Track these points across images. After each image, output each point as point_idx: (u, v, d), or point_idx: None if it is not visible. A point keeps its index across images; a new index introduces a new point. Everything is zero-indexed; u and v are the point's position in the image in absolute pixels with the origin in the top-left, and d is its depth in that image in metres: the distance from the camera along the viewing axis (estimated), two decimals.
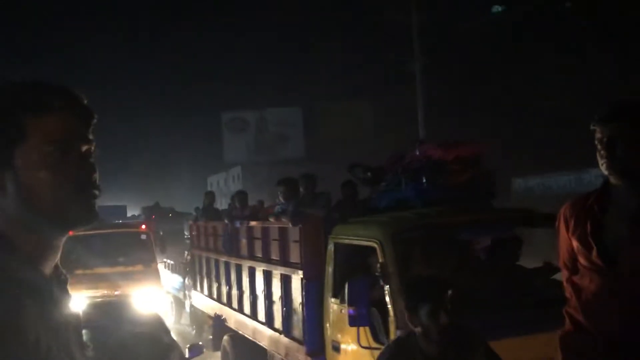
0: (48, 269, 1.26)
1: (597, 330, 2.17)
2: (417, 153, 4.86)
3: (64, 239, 1.28)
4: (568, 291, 2.31)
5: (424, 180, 4.71)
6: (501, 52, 20.92)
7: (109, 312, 5.88)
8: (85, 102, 1.27)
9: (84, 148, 1.23)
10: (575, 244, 2.18)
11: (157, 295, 9.67)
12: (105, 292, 8.92)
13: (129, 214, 31.20)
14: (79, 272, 9.01)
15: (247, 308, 6.77)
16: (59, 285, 1.29)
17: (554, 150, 17.41)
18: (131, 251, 10.25)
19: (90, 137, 1.26)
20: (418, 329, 2.77)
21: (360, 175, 5.28)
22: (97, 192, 1.24)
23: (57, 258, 1.29)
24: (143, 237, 10.64)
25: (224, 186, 42.41)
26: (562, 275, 2.33)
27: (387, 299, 4.06)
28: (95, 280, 9.04)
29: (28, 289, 1.17)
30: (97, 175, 1.25)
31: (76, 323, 1.33)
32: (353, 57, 29.19)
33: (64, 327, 1.26)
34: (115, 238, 10.45)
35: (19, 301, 1.13)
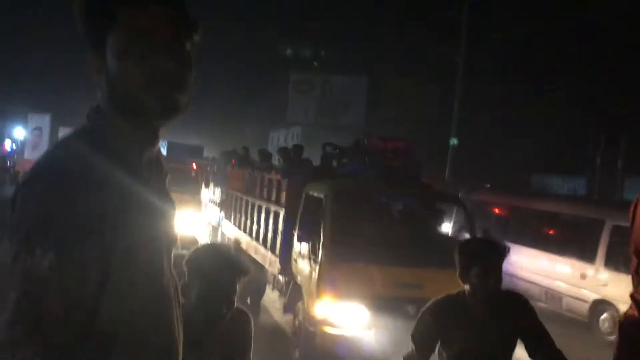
0: (145, 157, 1.33)
1: None
2: (366, 142, 7.20)
3: (155, 131, 1.32)
4: (637, 279, 2.22)
5: (366, 161, 7.03)
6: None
7: None
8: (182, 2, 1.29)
9: (164, 42, 1.24)
10: None
11: (196, 218, 12.44)
12: None
13: (205, 155, 33.72)
14: None
15: (253, 233, 9.30)
16: (157, 176, 1.38)
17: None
18: (183, 183, 12.89)
19: (180, 33, 1.27)
20: (467, 288, 2.82)
21: (330, 151, 7.67)
22: (170, 86, 1.24)
23: (155, 150, 1.36)
24: (192, 174, 13.53)
25: (283, 142, 44.78)
26: (631, 264, 2.24)
27: (322, 230, 6.46)
28: None
29: (125, 165, 1.25)
30: (174, 68, 1.24)
31: (169, 218, 1.40)
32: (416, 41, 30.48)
33: (159, 216, 1.34)
34: (173, 171, 13.22)
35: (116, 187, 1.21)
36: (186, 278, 2.33)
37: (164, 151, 25.45)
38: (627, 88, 18.09)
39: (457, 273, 2.84)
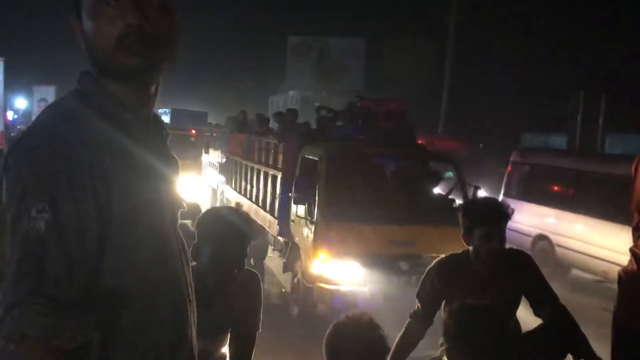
0: (146, 117, 1.35)
1: None
2: (359, 105, 7.32)
3: (145, 90, 1.32)
4: (637, 234, 2.20)
5: (360, 124, 7.16)
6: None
7: None
8: None
9: None
10: None
11: (196, 183, 12.65)
12: None
13: (209, 121, 33.50)
14: None
15: (253, 197, 9.48)
16: (156, 137, 1.40)
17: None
18: (183, 148, 13.07)
19: None
20: (471, 249, 2.83)
21: (324, 115, 7.80)
22: (141, 42, 1.23)
23: (149, 109, 1.37)
24: (192, 139, 13.74)
25: (282, 107, 44.68)
26: (633, 219, 2.19)
27: (317, 191, 6.63)
28: None
29: (120, 123, 1.26)
30: (144, 24, 1.23)
31: (172, 179, 1.40)
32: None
33: (159, 176, 1.33)
34: (173, 137, 13.34)
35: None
36: (196, 241, 2.37)
37: (167, 118, 25.30)
38: (607, 45, 18.30)
39: (461, 234, 2.84)
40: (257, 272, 2.61)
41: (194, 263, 2.29)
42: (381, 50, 41.20)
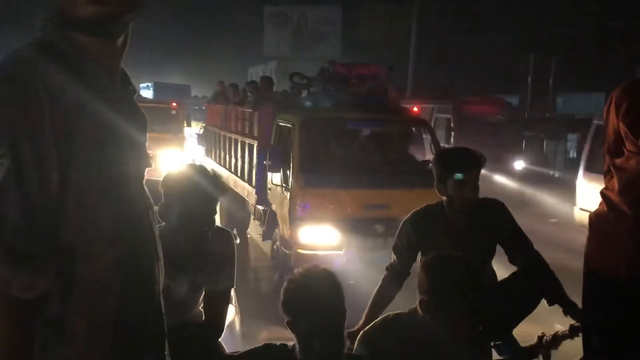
0: (112, 69, 1.33)
1: (633, 211, 2.06)
2: (330, 70, 7.22)
3: (110, 42, 1.29)
4: (608, 177, 2.20)
5: (332, 89, 7.08)
6: None
7: None
8: None
9: None
10: (623, 129, 2.05)
11: (178, 157, 12.48)
12: None
13: (192, 94, 32.10)
14: None
15: (232, 167, 9.41)
16: (123, 91, 1.37)
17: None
18: (164, 122, 12.62)
19: None
20: (444, 198, 2.78)
21: (297, 81, 7.69)
22: None
23: (117, 61, 1.34)
24: (173, 112, 13.44)
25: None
26: (605, 163, 2.21)
27: (291, 158, 6.57)
28: None
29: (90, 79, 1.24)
30: None
31: (138, 135, 1.37)
32: None
33: (122, 130, 1.29)
34: (153, 111, 11.91)
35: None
36: (163, 200, 2.31)
37: (150, 92, 24.83)
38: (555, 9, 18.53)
39: (435, 184, 2.78)
40: (228, 230, 2.55)
41: (163, 224, 2.25)
42: (358, 18, 40.95)
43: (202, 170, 2.42)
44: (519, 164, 12.73)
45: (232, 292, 2.67)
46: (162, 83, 26.53)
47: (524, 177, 12.30)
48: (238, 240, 8.00)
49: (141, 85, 27.68)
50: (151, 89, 26.73)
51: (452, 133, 12.64)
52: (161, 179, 2.36)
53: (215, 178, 2.41)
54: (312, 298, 1.98)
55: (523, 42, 19.37)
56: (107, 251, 1.29)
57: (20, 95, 1.15)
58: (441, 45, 24.40)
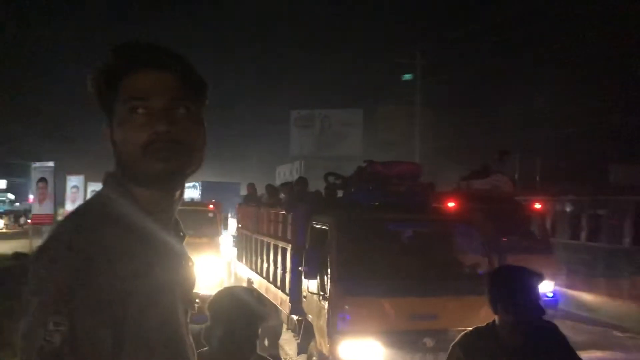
0: (166, 221, 1.30)
1: None
2: (369, 170, 6.66)
3: (169, 196, 1.28)
4: None
5: (370, 189, 6.50)
6: None
7: None
8: (178, 58, 1.24)
9: (160, 106, 1.20)
10: None
11: (216, 263, 11.42)
12: None
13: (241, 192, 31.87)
14: None
15: (264, 272, 8.73)
16: (177, 239, 1.33)
17: None
18: (200, 226, 11.58)
19: (178, 96, 1.22)
20: (497, 319, 2.70)
21: (332, 181, 7.13)
22: (166, 149, 1.20)
23: (172, 213, 1.32)
24: (210, 215, 12.46)
25: (289, 175, 44.61)
26: None
27: (329, 263, 5.91)
28: None
29: (150, 240, 1.22)
30: (170, 131, 1.20)
31: (189, 280, 1.34)
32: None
33: (180, 282, 1.28)
34: (190, 214, 11.26)
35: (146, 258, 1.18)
36: (209, 322, 2.31)
37: (197, 192, 24.20)
38: None
39: (488, 303, 2.68)
40: (269, 358, 2.47)
41: (206, 348, 2.26)
42: (377, 118, 41.96)
43: (247, 294, 2.41)
44: None
45: None
46: (210, 182, 25.47)
47: None
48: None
49: (187, 185, 26.91)
50: (198, 188, 25.75)
51: None
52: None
53: (260, 300, 2.42)
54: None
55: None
56: None
57: (82, 264, 1.13)
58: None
